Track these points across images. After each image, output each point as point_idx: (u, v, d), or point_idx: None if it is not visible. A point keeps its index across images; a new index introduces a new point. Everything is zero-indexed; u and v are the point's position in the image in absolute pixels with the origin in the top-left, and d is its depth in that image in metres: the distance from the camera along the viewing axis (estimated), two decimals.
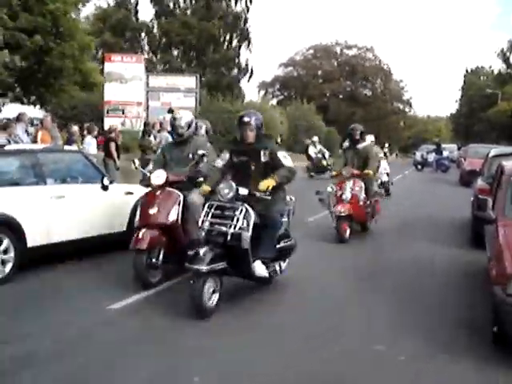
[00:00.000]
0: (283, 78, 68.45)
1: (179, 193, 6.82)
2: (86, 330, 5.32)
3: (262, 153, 6.21)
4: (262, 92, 66.34)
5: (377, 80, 70.57)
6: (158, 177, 6.84)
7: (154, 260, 6.54)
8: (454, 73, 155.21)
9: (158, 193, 6.80)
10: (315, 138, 26.54)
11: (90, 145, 14.89)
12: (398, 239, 10.57)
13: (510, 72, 56.63)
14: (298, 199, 7.05)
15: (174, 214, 6.69)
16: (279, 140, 26.71)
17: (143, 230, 6.48)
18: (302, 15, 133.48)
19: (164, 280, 6.82)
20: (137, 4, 43.12)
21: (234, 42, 43.16)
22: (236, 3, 42.95)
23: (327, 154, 25.61)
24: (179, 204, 6.74)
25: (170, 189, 6.84)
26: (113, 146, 15.06)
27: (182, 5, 42.60)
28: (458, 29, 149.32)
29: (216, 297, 5.76)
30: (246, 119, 6.20)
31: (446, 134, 79.09)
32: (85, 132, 20.17)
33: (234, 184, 5.86)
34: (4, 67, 13.04)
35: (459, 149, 38.13)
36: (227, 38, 42.11)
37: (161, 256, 6.59)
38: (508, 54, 58.32)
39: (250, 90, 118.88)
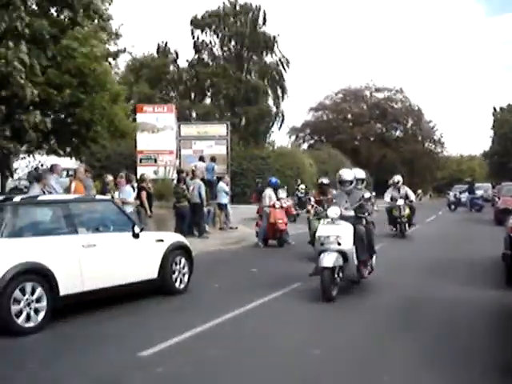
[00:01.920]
0: (313, 122, 68.81)
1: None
2: (116, 377, 5.36)
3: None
4: (293, 137, 66.79)
5: (408, 121, 70.45)
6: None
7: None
8: (484, 110, 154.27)
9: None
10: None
11: (129, 193, 15.18)
12: (432, 280, 10.42)
13: None
14: None
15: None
16: (304, 186, 28.01)
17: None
18: (330, 59, 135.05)
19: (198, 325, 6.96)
20: (177, 54, 44.50)
21: (270, 95, 43.97)
22: (268, 55, 43.93)
23: None
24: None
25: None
26: (144, 194, 15.33)
27: (217, 55, 43.70)
28: (485, 66, 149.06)
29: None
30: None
31: (480, 173, 78.14)
32: (118, 180, 20.64)
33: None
34: (34, 129, 13.40)
35: (493, 187, 37.59)
36: (260, 90, 42.88)
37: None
38: None
39: (281, 135, 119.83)
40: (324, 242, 8.58)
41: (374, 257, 9.78)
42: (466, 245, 15.89)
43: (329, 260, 8.30)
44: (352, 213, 9.18)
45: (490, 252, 12.64)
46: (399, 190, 17.81)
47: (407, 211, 17.37)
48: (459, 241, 17.06)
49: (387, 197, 17.97)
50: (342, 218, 8.92)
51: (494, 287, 9.49)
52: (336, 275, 8.44)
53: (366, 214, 9.42)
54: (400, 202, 17.31)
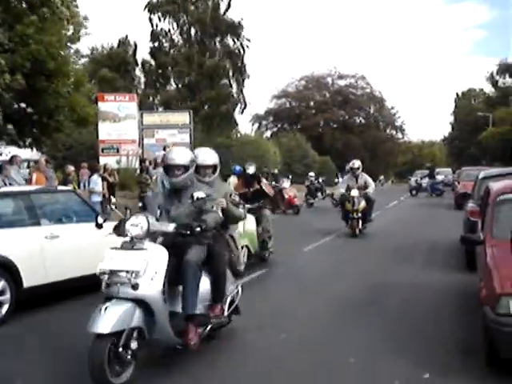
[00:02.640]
0: (276, 110, 68.93)
1: None
2: (80, 371, 5.32)
3: None
4: (256, 125, 66.81)
5: (370, 108, 71.14)
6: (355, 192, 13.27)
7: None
8: (445, 97, 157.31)
9: None
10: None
11: (97, 183, 15.06)
12: (393, 263, 10.63)
13: (499, 95, 57.22)
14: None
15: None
16: (276, 171, 27.00)
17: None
18: (292, 46, 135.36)
19: None
20: (136, 46, 44.13)
21: (231, 78, 43.75)
22: (231, 41, 43.64)
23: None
24: None
25: None
26: (104, 184, 15.24)
27: (177, 42, 43.27)
28: (443, 53, 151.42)
29: None
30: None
31: (440, 159, 79.48)
32: (81, 171, 20.43)
33: None
34: (6, 90, 13.13)
35: (454, 172, 38.32)
36: (223, 74, 42.63)
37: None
38: (497, 77, 59.10)
39: (244, 124, 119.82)
40: (110, 282, 4.98)
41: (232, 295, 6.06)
42: (427, 229, 16.20)
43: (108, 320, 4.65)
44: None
45: (450, 236, 12.91)
46: (357, 179, 15.16)
47: (362, 204, 14.66)
48: (421, 225, 17.38)
49: (342, 187, 15.56)
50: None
51: (454, 270, 9.72)
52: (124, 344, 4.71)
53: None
54: (354, 192, 14.71)
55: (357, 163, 15.37)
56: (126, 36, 44.75)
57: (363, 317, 6.94)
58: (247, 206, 9.11)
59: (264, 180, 11.81)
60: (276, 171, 27.13)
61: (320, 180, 29.48)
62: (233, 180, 16.50)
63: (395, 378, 4.90)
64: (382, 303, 7.67)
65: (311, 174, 28.67)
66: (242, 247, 9.26)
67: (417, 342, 5.89)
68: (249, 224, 9.81)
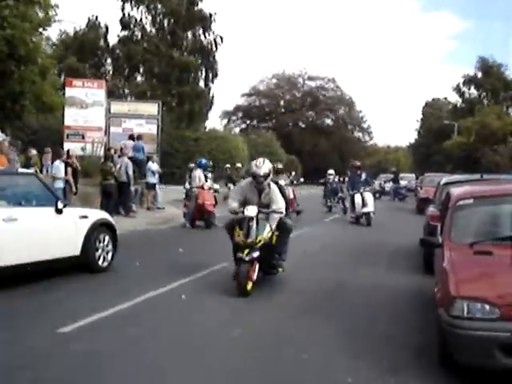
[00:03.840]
0: (245, 107, 69.00)
1: None
2: (33, 354, 5.24)
3: None
4: (225, 121, 66.76)
5: (339, 110, 71.75)
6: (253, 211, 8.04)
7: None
8: (413, 104, 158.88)
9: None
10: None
11: (59, 168, 14.84)
12: (353, 266, 10.69)
13: (465, 107, 58.31)
14: None
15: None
16: (240, 165, 26.92)
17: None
18: (263, 44, 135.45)
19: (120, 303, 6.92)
20: (107, 28, 43.22)
21: (200, 73, 43.48)
22: (204, 34, 43.33)
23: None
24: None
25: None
26: (69, 170, 15.03)
27: (149, 32, 42.74)
28: (415, 62, 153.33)
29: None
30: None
31: (405, 164, 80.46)
32: (44, 156, 20.10)
33: None
34: None
35: (417, 178, 38.86)
36: (193, 68, 42.31)
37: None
38: (463, 88, 60.21)
39: (213, 119, 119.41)
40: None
41: None
42: (389, 232, 16.37)
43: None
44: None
45: (411, 239, 13.08)
46: (260, 192, 8.37)
47: (265, 234, 8.06)
48: (382, 229, 17.55)
49: (234, 198, 8.58)
50: None
51: (413, 272, 9.86)
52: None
53: None
54: (250, 211, 8.08)
55: (265, 167, 8.30)
56: (96, 17, 43.51)
57: (321, 315, 6.96)
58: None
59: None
60: (240, 165, 26.98)
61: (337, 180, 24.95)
62: (197, 173, 16.58)
63: (348, 376, 4.93)
64: (339, 303, 7.72)
65: (330, 171, 23.79)
66: None
67: (372, 341, 5.94)
68: None
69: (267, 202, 8.37)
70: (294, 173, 29.61)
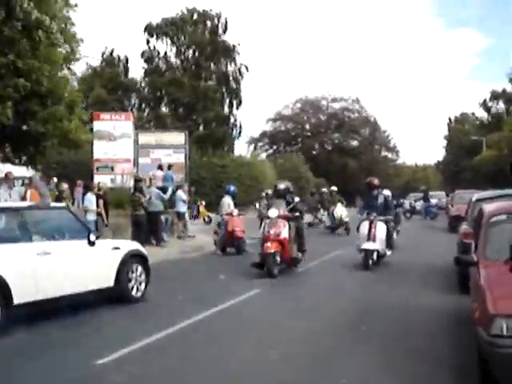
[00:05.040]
0: (271, 132, 69.33)
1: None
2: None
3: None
4: (251, 147, 67.06)
5: (365, 131, 71.59)
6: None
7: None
8: (438, 121, 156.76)
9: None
10: None
11: (91, 201, 15.05)
12: (388, 287, 10.58)
13: (492, 121, 57.77)
14: None
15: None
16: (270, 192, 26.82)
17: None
18: (286, 69, 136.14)
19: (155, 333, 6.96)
20: (127, 62, 43.94)
21: (226, 101, 43.96)
22: (226, 64, 43.86)
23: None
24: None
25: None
26: (100, 202, 15.22)
27: (173, 63, 43.43)
28: (439, 79, 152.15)
29: None
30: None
31: (434, 182, 79.69)
32: (76, 189, 20.41)
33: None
34: None
35: (448, 195, 38.42)
36: (218, 96, 42.79)
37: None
38: (490, 103, 59.74)
39: (240, 145, 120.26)
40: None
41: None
42: (421, 251, 16.17)
43: None
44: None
45: (444, 258, 12.91)
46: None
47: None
48: (414, 248, 17.33)
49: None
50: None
51: (448, 292, 9.69)
52: None
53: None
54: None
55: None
56: (112, 51, 44.04)
57: (357, 338, 6.89)
58: None
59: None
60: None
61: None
62: (226, 200, 16.67)
63: None
64: (375, 324, 7.63)
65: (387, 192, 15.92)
66: None
67: (410, 364, 5.84)
68: None
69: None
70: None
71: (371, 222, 12.82)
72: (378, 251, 12.74)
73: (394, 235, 15.11)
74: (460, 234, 10.66)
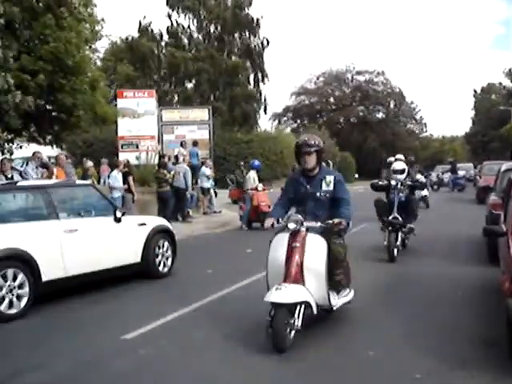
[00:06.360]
0: (295, 106, 68.84)
1: None
2: (99, 360, 5.33)
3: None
4: (275, 122, 66.73)
5: (390, 103, 70.69)
6: None
7: None
8: (465, 92, 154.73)
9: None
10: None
11: (116, 178, 15.15)
12: (416, 257, 10.52)
13: None
14: None
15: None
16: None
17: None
18: (310, 42, 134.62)
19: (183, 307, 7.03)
20: (161, 36, 43.48)
21: (249, 75, 43.62)
22: (250, 38, 43.45)
23: None
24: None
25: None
26: (130, 179, 15.28)
27: (196, 38, 43.11)
28: (462, 48, 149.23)
29: None
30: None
31: (462, 154, 78.60)
32: (101, 167, 20.56)
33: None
34: (15, 109, 13.13)
35: (475, 167, 37.87)
36: (242, 70, 42.47)
37: None
38: None
39: (263, 120, 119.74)
40: None
41: None
42: (450, 223, 16.01)
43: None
44: None
45: (473, 229, 12.75)
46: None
47: None
48: (443, 219, 17.17)
49: None
50: None
51: (476, 263, 9.59)
52: None
53: None
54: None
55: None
56: (150, 23, 43.35)
57: (384, 308, 6.86)
58: None
59: None
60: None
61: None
62: (251, 175, 16.63)
63: (416, 371, 4.82)
64: (402, 295, 7.61)
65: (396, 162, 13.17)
66: None
67: (438, 335, 5.80)
68: None
69: None
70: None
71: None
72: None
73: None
74: (489, 205, 10.50)
